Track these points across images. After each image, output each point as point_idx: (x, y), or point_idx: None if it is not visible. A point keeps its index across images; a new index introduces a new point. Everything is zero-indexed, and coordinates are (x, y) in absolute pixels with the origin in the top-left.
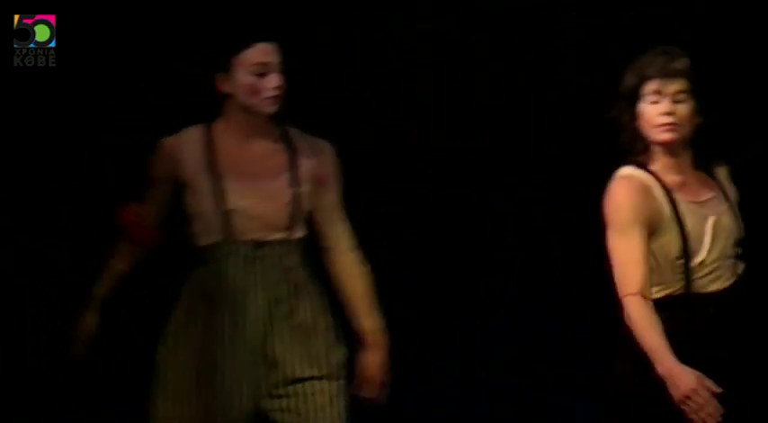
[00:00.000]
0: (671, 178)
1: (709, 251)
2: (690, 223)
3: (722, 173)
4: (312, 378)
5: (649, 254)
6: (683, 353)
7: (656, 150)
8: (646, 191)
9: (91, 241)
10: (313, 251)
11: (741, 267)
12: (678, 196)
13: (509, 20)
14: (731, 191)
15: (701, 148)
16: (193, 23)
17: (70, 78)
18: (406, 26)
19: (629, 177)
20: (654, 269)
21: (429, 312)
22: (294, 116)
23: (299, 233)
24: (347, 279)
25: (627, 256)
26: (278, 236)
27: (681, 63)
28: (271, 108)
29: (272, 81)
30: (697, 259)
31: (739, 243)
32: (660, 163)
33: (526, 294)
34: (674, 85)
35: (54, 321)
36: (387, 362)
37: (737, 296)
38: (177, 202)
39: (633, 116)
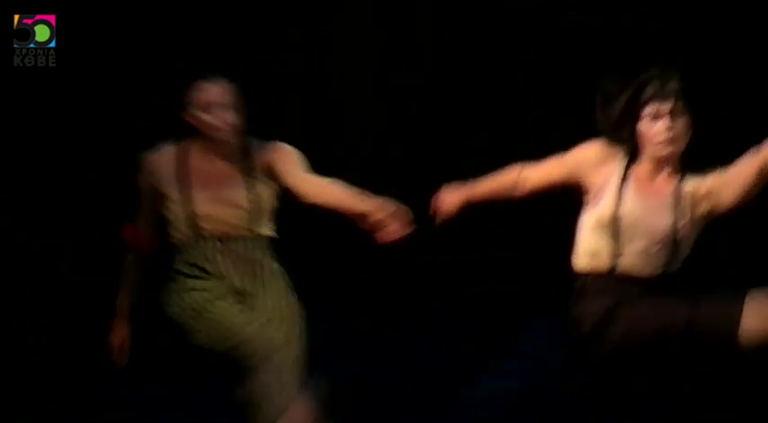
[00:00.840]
0: (639, 171)
1: (637, 238)
2: (627, 205)
3: (697, 187)
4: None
5: (554, 181)
6: (606, 319)
7: (647, 155)
8: (607, 155)
9: (90, 241)
10: (282, 251)
11: (674, 267)
12: (633, 183)
13: (509, 20)
14: (691, 207)
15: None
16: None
17: (70, 78)
18: (406, 25)
19: (610, 144)
20: (590, 236)
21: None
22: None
23: (265, 231)
24: (325, 193)
25: (545, 163)
26: (241, 233)
27: (675, 83)
28: (227, 139)
29: (226, 117)
30: (624, 239)
31: (673, 246)
32: (642, 160)
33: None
34: (672, 105)
35: (54, 321)
36: (393, 207)
37: (666, 287)
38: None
39: (632, 132)
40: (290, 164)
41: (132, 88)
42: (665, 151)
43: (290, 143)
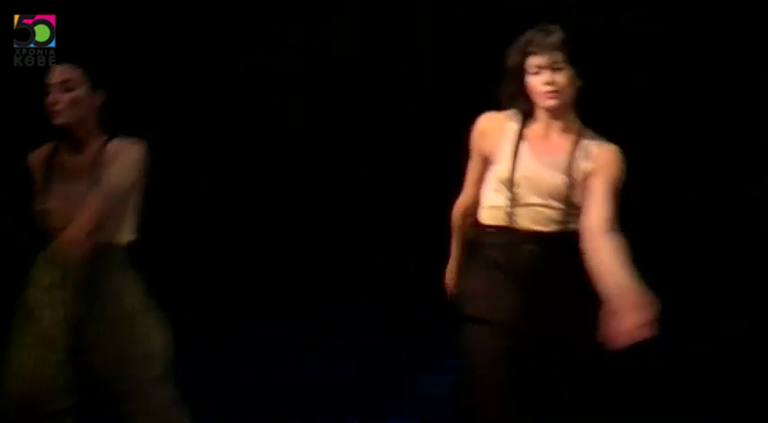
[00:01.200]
0: (534, 130)
1: (530, 193)
2: (521, 163)
3: (589, 148)
4: (118, 375)
5: (481, 179)
6: (506, 280)
7: (539, 112)
8: (500, 123)
9: None
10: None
11: (572, 224)
12: (527, 143)
13: (509, 20)
14: (589, 165)
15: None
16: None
17: None
18: (406, 25)
19: (496, 113)
20: (491, 194)
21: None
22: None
23: (115, 238)
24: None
25: (468, 175)
26: None
27: (556, 37)
28: (53, 120)
29: (55, 98)
30: (519, 195)
31: (567, 203)
32: (536, 118)
33: None
34: (552, 57)
35: None
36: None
37: (562, 243)
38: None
39: (519, 87)
40: (115, 161)
41: (132, 88)
42: (548, 104)
43: (290, 143)
